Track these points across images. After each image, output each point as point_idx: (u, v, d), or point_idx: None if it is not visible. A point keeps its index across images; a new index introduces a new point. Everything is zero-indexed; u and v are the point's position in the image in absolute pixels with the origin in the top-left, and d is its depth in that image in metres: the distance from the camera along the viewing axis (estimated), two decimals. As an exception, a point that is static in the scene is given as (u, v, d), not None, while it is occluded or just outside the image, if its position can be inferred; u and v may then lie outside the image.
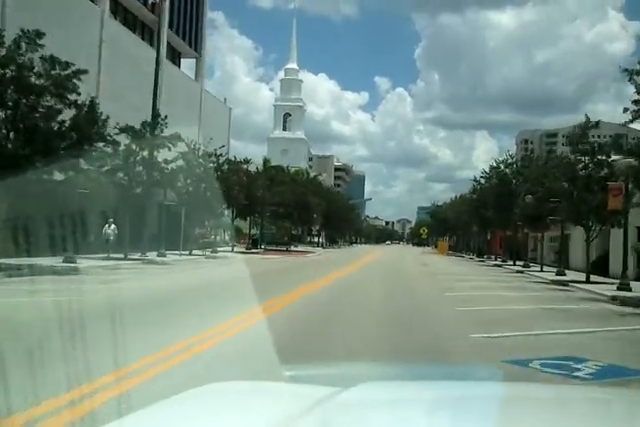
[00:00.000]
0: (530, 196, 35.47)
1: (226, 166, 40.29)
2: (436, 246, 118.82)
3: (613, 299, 18.45)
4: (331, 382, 2.14)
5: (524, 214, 36.16)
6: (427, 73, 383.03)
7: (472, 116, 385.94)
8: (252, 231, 68.47)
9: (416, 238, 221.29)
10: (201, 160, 36.93)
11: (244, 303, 11.28)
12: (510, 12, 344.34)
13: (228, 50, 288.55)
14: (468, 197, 56.50)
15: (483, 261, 49.86)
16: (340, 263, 32.45)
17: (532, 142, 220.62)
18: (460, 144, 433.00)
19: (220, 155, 40.96)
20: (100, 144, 23.22)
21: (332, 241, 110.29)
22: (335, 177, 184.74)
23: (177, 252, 33.00)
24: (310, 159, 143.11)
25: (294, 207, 45.03)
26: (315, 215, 55.68)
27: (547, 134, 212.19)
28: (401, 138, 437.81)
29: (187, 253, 34.44)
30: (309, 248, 65.03)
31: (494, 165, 40.91)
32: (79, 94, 20.22)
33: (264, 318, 9.75)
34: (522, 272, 33.71)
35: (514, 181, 39.06)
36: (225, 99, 56.93)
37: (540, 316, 13.14)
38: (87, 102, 20.20)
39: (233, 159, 42.40)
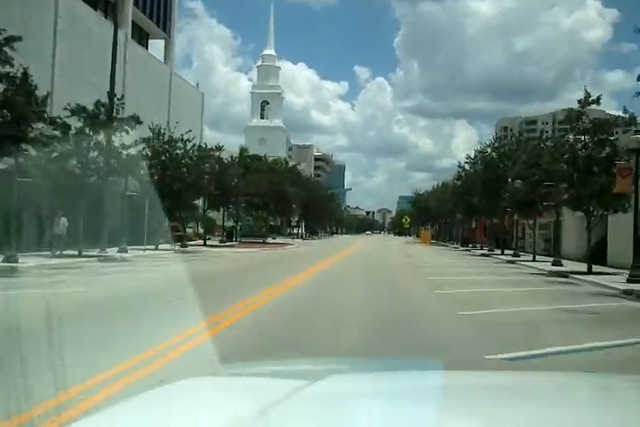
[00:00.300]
0: (519, 180, 33.32)
1: (196, 153, 37.48)
2: (418, 236, 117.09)
3: (627, 293, 16.21)
4: (299, 376, 2.17)
5: (514, 200, 33.96)
6: (406, 62, 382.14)
7: (451, 105, 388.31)
8: (229, 223, 66.08)
9: (397, 228, 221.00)
10: (167, 146, 34.12)
11: (196, 314, 8.74)
12: (489, 0, 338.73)
13: (207, 39, 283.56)
14: (452, 184, 54.30)
15: (468, 250, 47.75)
16: (318, 256, 30.12)
17: (511, 130, 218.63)
18: (440, 133, 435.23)
19: (188, 140, 38.06)
20: (45, 126, 20.49)
21: (312, 232, 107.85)
22: (315, 167, 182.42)
23: (141, 247, 30.31)
24: (290, 149, 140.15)
25: (271, 197, 42.27)
26: (293, 205, 52.97)
27: (526, 121, 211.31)
28: (381, 127, 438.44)
29: (152, 247, 31.75)
30: (288, 240, 62.53)
31: (480, 149, 38.58)
32: (12, 66, 17.44)
33: (213, 337, 7.30)
34: (513, 262, 31.48)
35: (501, 165, 36.76)
36: (197, 84, 53.85)
37: (561, 321, 10.73)
38: (19, 74, 17.32)
39: (204, 146, 39.52)
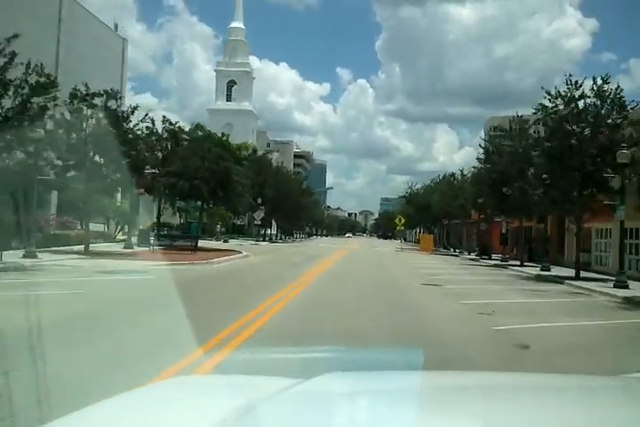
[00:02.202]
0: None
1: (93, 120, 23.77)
2: (405, 239, 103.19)
3: None
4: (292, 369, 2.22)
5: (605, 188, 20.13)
6: (388, 65, 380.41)
7: (432, 109, 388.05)
8: (172, 219, 51.35)
9: (381, 230, 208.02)
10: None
11: None
12: (470, 6, 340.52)
13: (188, 38, 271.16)
14: (474, 171, 40.39)
15: (505, 266, 33.36)
16: (245, 293, 16.53)
17: (501, 129, 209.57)
18: (421, 137, 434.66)
19: (87, 95, 24.37)
20: None
21: (287, 233, 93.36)
22: (295, 164, 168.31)
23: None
24: (268, 145, 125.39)
25: (204, 180, 27.47)
26: (253, 198, 38.22)
27: (517, 122, 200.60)
28: (363, 129, 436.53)
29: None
30: (246, 244, 47.94)
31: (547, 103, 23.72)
32: None
33: None
34: None
35: (576, 128, 22.35)
36: (116, 25, 38.75)
37: None
38: None
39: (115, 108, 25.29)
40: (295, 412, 1.68)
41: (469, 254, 46.31)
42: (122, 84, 38.78)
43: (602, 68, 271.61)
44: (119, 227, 34.21)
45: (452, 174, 51.94)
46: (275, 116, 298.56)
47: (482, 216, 43.27)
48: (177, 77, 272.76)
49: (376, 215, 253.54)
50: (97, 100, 24.75)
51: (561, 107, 22.39)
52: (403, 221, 54.48)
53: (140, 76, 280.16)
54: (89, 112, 24.54)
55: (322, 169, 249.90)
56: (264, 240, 62.50)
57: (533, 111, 23.51)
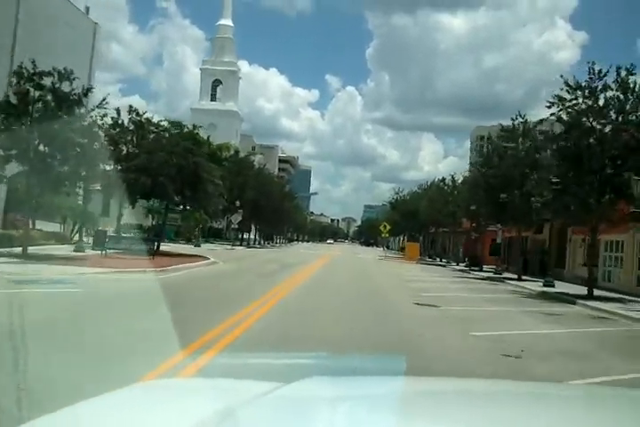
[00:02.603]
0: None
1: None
2: (388, 247, 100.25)
3: None
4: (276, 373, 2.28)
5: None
6: (377, 73, 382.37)
7: (419, 118, 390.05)
8: (145, 221, 47.97)
9: (363, 237, 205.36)
10: None
11: None
12: (462, 16, 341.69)
13: (179, 40, 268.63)
14: (468, 176, 37.73)
15: (500, 279, 30.43)
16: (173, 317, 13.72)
17: (488, 139, 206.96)
18: (407, 145, 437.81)
19: (34, 74, 21.36)
20: None
21: (267, 238, 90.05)
22: (279, 169, 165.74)
23: None
24: (253, 148, 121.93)
25: (170, 177, 24.05)
26: (223, 197, 34.96)
27: (504, 130, 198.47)
28: (349, 137, 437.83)
29: None
30: (219, 248, 44.69)
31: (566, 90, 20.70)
32: None
33: None
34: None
35: (595, 124, 19.39)
36: (87, 8, 35.44)
37: None
38: None
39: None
40: (275, 416, 1.67)
41: (457, 265, 43.43)
42: (90, 72, 35.43)
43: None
44: (76, 228, 30.77)
45: (443, 180, 49.11)
46: (262, 122, 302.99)
47: (473, 225, 40.45)
48: (166, 80, 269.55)
49: (359, 222, 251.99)
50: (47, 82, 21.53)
51: (580, 100, 19.46)
52: (387, 228, 51.46)
53: (129, 78, 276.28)
54: (36, 94, 21.28)
55: (306, 174, 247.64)
56: (241, 245, 59.18)
57: (547, 105, 20.49)
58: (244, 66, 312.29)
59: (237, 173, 60.60)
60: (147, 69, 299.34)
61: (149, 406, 1.81)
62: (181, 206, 40.44)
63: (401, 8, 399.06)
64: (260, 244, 73.61)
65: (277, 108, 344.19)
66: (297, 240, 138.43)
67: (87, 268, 18.36)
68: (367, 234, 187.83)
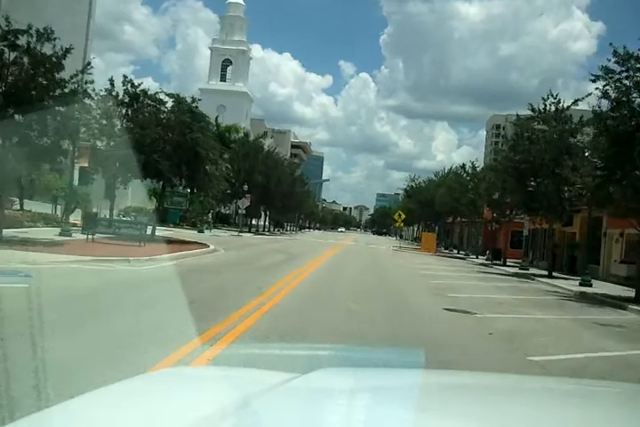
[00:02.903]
0: None
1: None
2: (401, 237, 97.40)
3: None
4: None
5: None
6: (391, 60, 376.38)
7: (433, 107, 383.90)
8: (150, 204, 45.51)
9: (376, 226, 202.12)
10: None
11: None
12: (478, 4, 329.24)
13: (191, 22, 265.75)
14: (493, 163, 34.95)
15: (529, 276, 27.57)
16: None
17: (504, 128, 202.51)
18: (420, 134, 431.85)
19: (8, 32, 18.92)
20: None
21: (277, 225, 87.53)
22: (291, 155, 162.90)
23: None
24: (265, 133, 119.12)
25: (166, 155, 21.32)
26: (225, 177, 32.21)
27: (524, 119, 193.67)
28: (362, 124, 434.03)
29: None
30: (224, 235, 42.17)
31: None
32: None
33: None
34: None
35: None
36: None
37: None
38: None
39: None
40: (291, 407, 1.66)
41: (477, 258, 40.65)
42: (86, 41, 32.80)
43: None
44: (69, 209, 28.32)
45: (462, 166, 46.16)
46: (275, 107, 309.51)
47: (495, 214, 37.62)
48: (179, 62, 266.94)
49: (371, 211, 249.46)
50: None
51: (632, 72, 16.60)
52: (402, 217, 48.64)
53: (142, 60, 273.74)
54: (11, 56, 18.67)
55: (319, 161, 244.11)
56: (249, 231, 56.71)
57: (592, 79, 17.58)
58: (257, 50, 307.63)
59: (246, 155, 58.05)
60: (159, 52, 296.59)
61: (164, 394, 1.79)
62: (187, 189, 38.06)
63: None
64: (269, 231, 71.13)
65: (290, 93, 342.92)
66: (308, 228, 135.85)
67: (62, 255, 15.81)
68: (380, 223, 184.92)
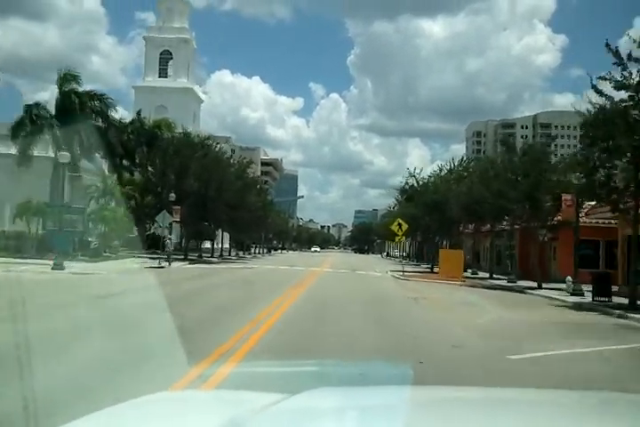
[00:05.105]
0: None
1: None
2: (388, 254, 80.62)
3: None
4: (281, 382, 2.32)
5: None
6: (360, 80, 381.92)
7: (405, 124, 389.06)
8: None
9: (356, 244, 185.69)
10: None
11: None
12: (442, 22, 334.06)
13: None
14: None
15: None
16: None
17: (485, 135, 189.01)
18: (394, 151, 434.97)
19: None
20: None
21: (241, 247, 70.83)
22: (262, 172, 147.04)
23: None
24: (233, 151, 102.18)
25: None
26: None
27: (502, 124, 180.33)
28: (336, 143, 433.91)
29: None
30: (122, 268, 25.57)
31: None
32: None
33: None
34: None
35: None
36: None
37: None
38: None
39: None
40: None
41: (539, 288, 24.48)
42: None
43: (571, 84, 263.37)
44: None
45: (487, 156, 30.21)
46: (247, 130, 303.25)
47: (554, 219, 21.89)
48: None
49: (350, 228, 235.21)
50: None
51: None
52: (405, 227, 32.28)
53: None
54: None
55: (293, 180, 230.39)
56: (185, 259, 39.86)
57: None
58: (226, 76, 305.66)
59: (176, 153, 41.66)
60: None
61: (153, 419, 1.79)
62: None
63: (381, 15, 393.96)
64: (221, 256, 54.29)
65: (262, 116, 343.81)
66: (282, 249, 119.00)
67: None
68: (360, 240, 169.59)
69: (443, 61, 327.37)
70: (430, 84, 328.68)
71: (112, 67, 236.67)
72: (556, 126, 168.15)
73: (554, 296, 21.22)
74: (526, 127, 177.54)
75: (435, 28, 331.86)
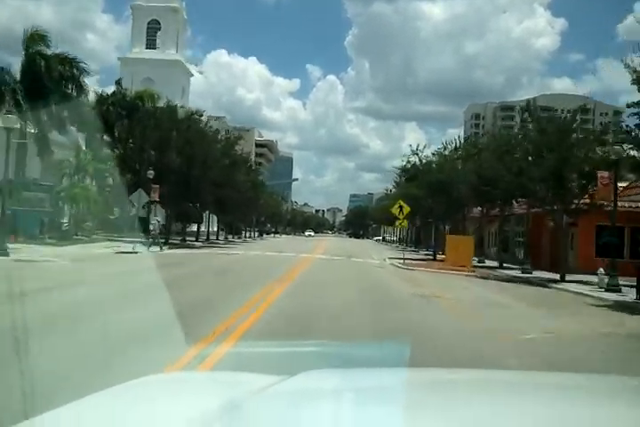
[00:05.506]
0: None
1: None
2: (384, 239, 77.60)
3: None
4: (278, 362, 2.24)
5: None
6: (358, 62, 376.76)
7: (402, 107, 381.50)
8: None
9: (351, 228, 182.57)
10: None
11: None
12: (441, 3, 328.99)
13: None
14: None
15: None
16: None
17: (483, 118, 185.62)
18: (390, 134, 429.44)
19: None
20: None
21: (231, 231, 67.57)
22: (257, 154, 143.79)
23: None
24: (227, 131, 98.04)
25: None
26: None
27: (501, 107, 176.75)
28: (332, 126, 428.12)
29: None
30: (84, 253, 22.28)
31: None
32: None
33: None
34: None
35: None
36: None
37: None
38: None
39: None
40: (279, 410, 1.64)
41: (562, 280, 21.28)
42: None
43: (569, 68, 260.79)
44: None
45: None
46: (243, 112, 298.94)
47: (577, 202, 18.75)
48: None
49: (345, 212, 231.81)
50: None
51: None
52: (407, 209, 28.98)
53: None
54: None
55: (288, 162, 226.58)
56: (166, 244, 36.47)
57: None
58: (222, 55, 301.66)
59: (156, 127, 38.14)
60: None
61: (150, 400, 1.78)
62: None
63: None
64: (207, 239, 50.99)
65: (258, 97, 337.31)
66: (275, 232, 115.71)
67: None
68: (355, 224, 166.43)
69: (441, 44, 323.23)
70: (428, 67, 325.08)
71: (107, 44, 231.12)
72: (556, 110, 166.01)
73: (585, 292, 17.99)
74: (526, 110, 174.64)
75: (434, 10, 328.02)
